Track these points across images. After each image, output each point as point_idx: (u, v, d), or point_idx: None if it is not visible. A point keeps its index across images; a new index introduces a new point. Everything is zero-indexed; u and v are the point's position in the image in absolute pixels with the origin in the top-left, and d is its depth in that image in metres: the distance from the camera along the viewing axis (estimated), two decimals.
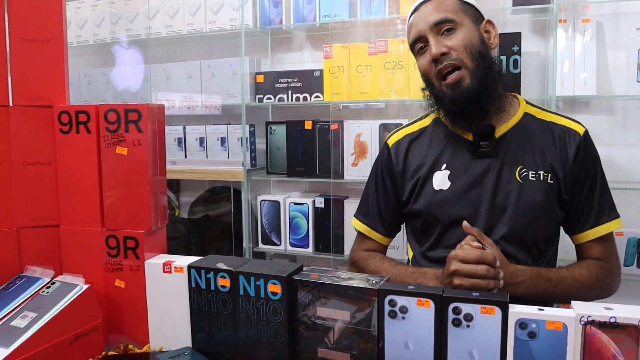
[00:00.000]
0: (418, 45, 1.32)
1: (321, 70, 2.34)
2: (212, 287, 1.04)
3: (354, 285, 0.96)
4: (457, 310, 0.90)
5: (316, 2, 2.30)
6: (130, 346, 1.11)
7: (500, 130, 1.32)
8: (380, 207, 1.46)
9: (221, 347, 1.04)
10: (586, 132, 1.31)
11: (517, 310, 0.88)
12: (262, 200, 2.48)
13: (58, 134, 1.13)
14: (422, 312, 0.92)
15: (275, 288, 0.99)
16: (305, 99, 2.37)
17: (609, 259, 1.31)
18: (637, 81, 1.99)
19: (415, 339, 0.93)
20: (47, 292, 1.04)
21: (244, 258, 1.38)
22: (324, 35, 2.49)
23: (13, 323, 0.97)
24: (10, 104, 1.13)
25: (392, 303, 0.93)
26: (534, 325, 0.87)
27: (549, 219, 1.30)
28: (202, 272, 1.04)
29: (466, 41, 1.26)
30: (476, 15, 1.32)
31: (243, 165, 2.42)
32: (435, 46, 1.26)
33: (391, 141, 1.46)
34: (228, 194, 2.60)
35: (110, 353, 1.08)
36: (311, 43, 2.58)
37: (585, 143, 1.30)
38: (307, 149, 2.36)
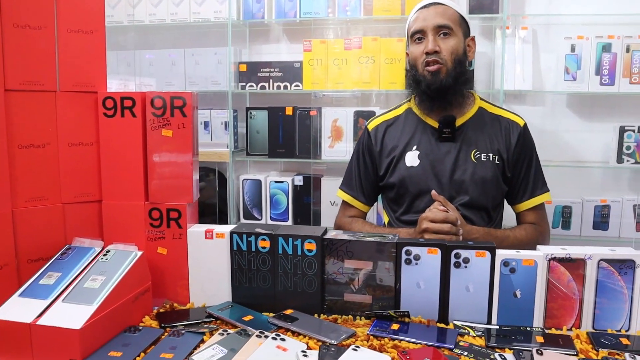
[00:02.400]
0: (417, 35, 1.62)
1: (301, 62, 2.57)
2: (253, 249, 1.23)
3: (375, 240, 1.20)
4: (457, 255, 1.17)
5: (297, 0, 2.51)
6: (175, 305, 1.26)
7: (460, 120, 1.65)
8: (361, 180, 1.74)
9: (260, 299, 1.24)
10: (525, 124, 1.68)
11: (502, 253, 1.17)
12: (244, 179, 2.67)
13: (102, 118, 1.24)
14: (431, 259, 1.18)
15: (310, 246, 1.20)
16: (285, 87, 2.59)
17: (541, 223, 1.68)
18: (564, 80, 2.41)
19: (425, 279, 1.19)
20: (106, 259, 1.17)
21: (272, 224, 1.60)
22: (301, 30, 2.69)
23: (86, 285, 1.10)
24: (58, 90, 1.22)
25: (408, 252, 1.19)
26: (514, 263, 1.17)
27: (496, 191, 1.64)
28: (244, 236, 1.23)
29: (454, 48, 1.58)
30: (466, 30, 1.65)
31: (228, 147, 2.60)
32: (432, 44, 1.57)
33: (371, 126, 1.75)
34: (210, 174, 2.74)
35: (161, 310, 1.23)
36: (288, 36, 2.77)
37: (524, 133, 1.66)
38: (288, 133, 2.60)
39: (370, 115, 2.45)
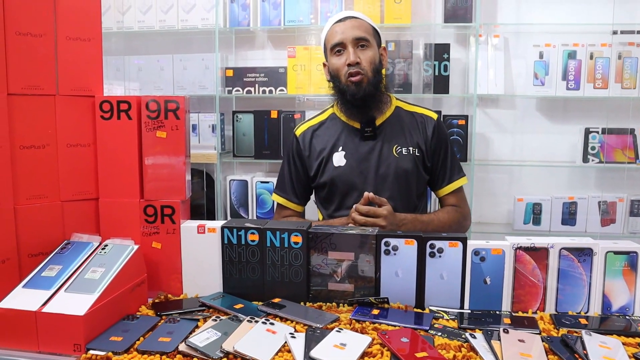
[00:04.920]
0: (337, 47, 1.74)
1: (285, 68, 2.67)
2: (243, 242, 1.31)
3: (357, 233, 1.30)
4: (432, 246, 1.27)
5: (281, 8, 2.61)
6: (169, 296, 1.34)
7: (379, 120, 1.80)
8: (293, 183, 1.88)
9: (249, 289, 1.32)
10: (439, 117, 1.86)
11: (472, 243, 1.28)
12: (231, 180, 2.77)
13: (99, 120, 1.32)
14: (408, 249, 1.28)
15: (297, 239, 1.29)
16: (270, 91, 2.70)
17: (461, 205, 1.85)
18: (533, 85, 2.56)
19: (403, 268, 1.28)
20: (105, 252, 1.24)
21: (260, 219, 1.70)
22: (285, 37, 2.80)
23: (87, 276, 1.17)
24: (57, 94, 1.30)
25: (387, 243, 1.28)
26: (483, 252, 1.27)
27: (418, 181, 1.79)
28: (234, 230, 1.31)
29: (372, 59, 1.74)
30: (379, 41, 1.81)
31: (216, 149, 2.69)
32: (353, 56, 1.71)
33: (298, 132, 1.89)
34: (198, 175, 2.82)
35: (156, 300, 1.31)
36: (272, 43, 2.87)
37: (438, 125, 1.83)
38: (273, 135, 2.70)
39: None
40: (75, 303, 1.09)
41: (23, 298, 1.12)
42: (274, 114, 2.67)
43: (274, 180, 2.72)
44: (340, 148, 1.79)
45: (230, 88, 2.72)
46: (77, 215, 1.34)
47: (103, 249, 1.26)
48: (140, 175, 1.33)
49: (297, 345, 1.05)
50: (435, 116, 1.85)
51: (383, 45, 1.85)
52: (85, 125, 1.33)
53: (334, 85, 1.79)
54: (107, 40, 2.77)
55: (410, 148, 1.78)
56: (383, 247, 1.28)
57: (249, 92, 2.71)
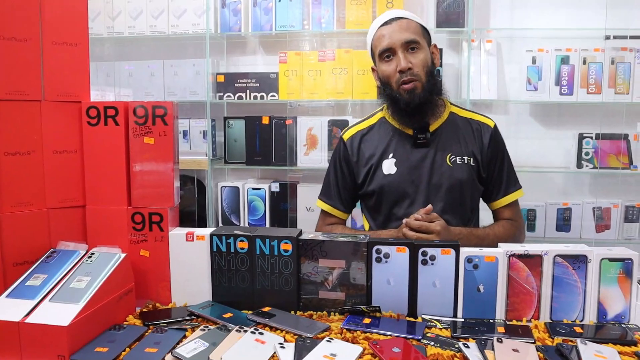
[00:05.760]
0: (386, 53, 1.65)
1: (277, 73, 2.65)
2: (232, 250, 1.29)
3: (348, 240, 1.28)
4: (424, 253, 1.25)
5: (272, 13, 2.59)
6: (157, 305, 1.31)
7: (433, 126, 1.71)
8: (339, 189, 1.79)
9: (239, 298, 1.30)
10: (495, 125, 1.75)
11: (465, 250, 1.26)
12: (222, 187, 2.74)
13: (86, 126, 1.30)
14: (400, 257, 1.26)
15: (286, 246, 1.27)
16: (262, 97, 2.68)
17: (516, 218, 1.76)
18: (527, 90, 2.55)
19: (394, 276, 1.26)
20: (91, 261, 1.22)
21: (250, 227, 1.65)
22: (277, 42, 2.78)
23: (72, 285, 1.15)
24: (43, 99, 1.27)
25: (379, 251, 1.26)
26: (477, 260, 1.25)
27: (473, 192, 1.70)
28: (223, 238, 1.29)
29: (424, 61, 1.64)
30: (429, 40, 1.70)
31: (207, 156, 2.67)
32: (404, 61, 1.60)
33: (346, 136, 1.80)
34: (189, 181, 2.80)
35: (144, 309, 1.28)
36: (264, 48, 2.86)
37: (495, 133, 1.73)
38: (265, 141, 2.68)
39: (344, 124, 2.55)
40: (59, 313, 1.07)
41: (6, 308, 1.10)
42: (265, 120, 2.66)
43: (266, 186, 2.72)
44: (391, 155, 1.71)
45: (222, 94, 2.70)
46: (64, 223, 1.32)
47: (89, 257, 1.23)
48: (127, 182, 1.31)
49: (286, 355, 1.02)
50: (492, 124, 1.75)
51: (433, 43, 1.75)
52: (71, 131, 1.30)
53: (385, 92, 1.70)
54: (98, 46, 2.76)
55: (465, 157, 1.68)
56: (374, 255, 1.26)
57: (240, 97, 2.69)
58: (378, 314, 1.25)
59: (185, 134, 2.68)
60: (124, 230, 1.32)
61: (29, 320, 1.05)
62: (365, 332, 1.15)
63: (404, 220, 1.52)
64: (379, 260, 1.26)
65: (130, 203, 1.32)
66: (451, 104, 1.79)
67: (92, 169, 1.32)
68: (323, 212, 1.84)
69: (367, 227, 1.83)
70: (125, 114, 1.29)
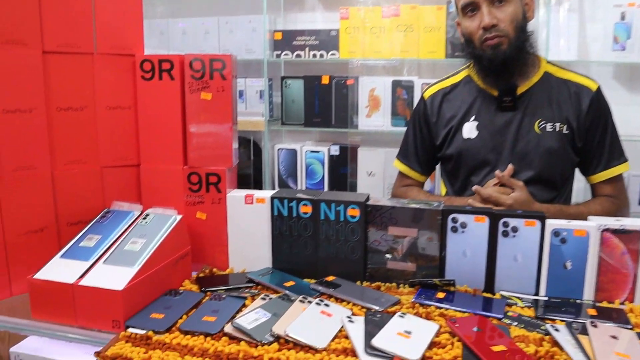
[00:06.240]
0: (468, 7, 1.47)
1: (337, 30, 2.52)
2: (295, 214, 1.20)
3: (420, 207, 1.16)
4: (506, 224, 1.12)
5: None
6: (214, 270, 1.25)
7: (522, 88, 1.52)
8: (417, 150, 1.68)
9: (301, 265, 1.21)
10: (599, 88, 1.53)
11: (552, 223, 1.12)
12: (279, 149, 2.66)
13: (140, 81, 1.22)
14: (478, 226, 1.14)
15: (353, 212, 1.17)
16: (321, 55, 2.56)
17: (618, 197, 1.55)
18: (612, 50, 2.31)
19: (471, 247, 1.14)
20: (145, 222, 1.16)
21: (313, 190, 1.54)
22: None
23: (126, 248, 1.09)
24: (95, 52, 1.20)
25: (455, 220, 1.14)
26: (565, 234, 1.11)
27: (564, 164, 1.53)
28: (285, 201, 1.20)
29: (513, 15, 1.44)
30: None
31: (263, 116, 2.58)
32: (488, 17, 1.43)
33: (427, 95, 1.67)
34: (244, 143, 2.73)
35: (201, 275, 1.22)
36: (323, 4, 2.72)
37: (598, 97, 1.52)
38: (324, 102, 2.56)
39: (409, 85, 2.40)
40: (113, 276, 1.01)
41: (60, 269, 1.05)
42: (325, 80, 2.53)
43: (324, 149, 2.61)
44: (473, 117, 1.56)
45: (279, 52, 2.59)
46: (118, 182, 1.26)
47: (144, 218, 1.17)
48: (183, 140, 1.23)
49: (356, 331, 0.93)
50: (594, 86, 1.53)
51: None
52: (125, 86, 1.23)
53: (468, 49, 1.54)
54: (150, 3, 2.67)
55: (557, 124, 1.50)
56: (450, 224, 1.14)
57: (298, 56, 2.58)
58: (452, 288, 1.14)
59: (241, 93, 2.60)
60: (180, 191, 1.25)
61: (82, 282, 1.00)
62: (440, 308, 1.05)
63: (474, 187, 1.39)
64: (454, 229, 1.15)
65: (187, 162, 1.24)
66: (548, 62, 1.59)
67: (147, 126, 1.25)
68: (400, 173, 1.75)
69: (443, 192, 1.72)
70: (181, 68, 1.20)
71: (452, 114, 1.60)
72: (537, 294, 1.14)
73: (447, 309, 1.05)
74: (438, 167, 1.76)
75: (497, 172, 1.42)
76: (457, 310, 1.04)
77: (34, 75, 1.13)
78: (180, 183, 1.25)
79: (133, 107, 1.25)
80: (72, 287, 1.00)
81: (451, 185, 1.66)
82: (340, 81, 2.55)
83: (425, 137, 1.66)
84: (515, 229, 1.12)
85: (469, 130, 1.56)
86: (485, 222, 1.13)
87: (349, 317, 0.98)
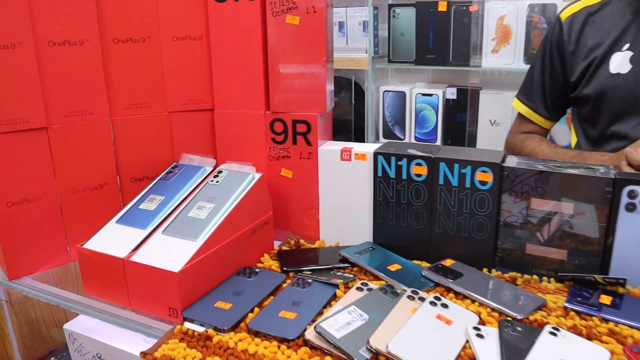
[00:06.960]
0: None
1: None
2: (404, 176, 0.92)
3: (582, 174, 0.83)
4: None
5: None
6: (301, 241, 1.02)
7: None
8: (544, 88, 1.34)
9: (410, 242, 0.94)
10: None
11: None
12: (385, 91, 2.35)
13: (211, 3, 0.97)
14: None
15: (484, 177, 0.87)
16: None
17: None
18: None
19: None
20: (217, 182, 0.94)
21: (430, 145, 1.26)
22: None
23: (191, 214, 0.88)
24: None
25: (632, 195, 0.81)
26: None
27: None
28: (393, 159, 0.92)
29: None
30: None
31: (367, 53, 2.28)
32: None
33: (564, 15, 1.29)
34: (345, 84, 2.46)
35: (284, 248, 0.99)
36: None
37: None
38: (440, 34, 2.20)
39: (551, 9, 1.94)
40: (171, 251, 0.81)
41: (114, 238, 0.86)
42: (442, 6, 2.12)
43: (439, 92, 2.25)
44: (626, 46, 1.20)
45: None
46: (188, 130, 1.05)
47: (216, 176, 0.95)
48: (265, 79, 0.98)
49: (488, 351, 0.66)
50: None
51: None
52: (195, 11, 0.99)
53: None
54: None
55: None
56: (625, 200, 0.81)
57: None
58: (621, 290, 0.81)
59: (341, 25, 2.28)
60: (261, 143, 1.01)
61: (134, 258, 0.80)
62: (607, 321, 0.74)
63: (625, 150, 1.03)
64: (631, 208, 0.81)
65: (269, 107, 1.00)
66: None
67: (222, 62, 1.00)
68: (519, 116, 1.41)
69: (573, 142, 1.36)
70: None
71: (596, 41, 1.22)
72: None
73: (618, 323, 0.74)
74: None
75: None
76: (630, 327, 0.73)
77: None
78: (262, 132, 1.01)
79: (205, 38, 1.01)
80: (123, 262, 0.81)
81: (585, 134, 1.30)
82: (461, 7, 2.12)
83: (557, 71, 1.30)
84: None
85: (620, 62, 1.18)
86: None
87: (476, 328, 0.70)
